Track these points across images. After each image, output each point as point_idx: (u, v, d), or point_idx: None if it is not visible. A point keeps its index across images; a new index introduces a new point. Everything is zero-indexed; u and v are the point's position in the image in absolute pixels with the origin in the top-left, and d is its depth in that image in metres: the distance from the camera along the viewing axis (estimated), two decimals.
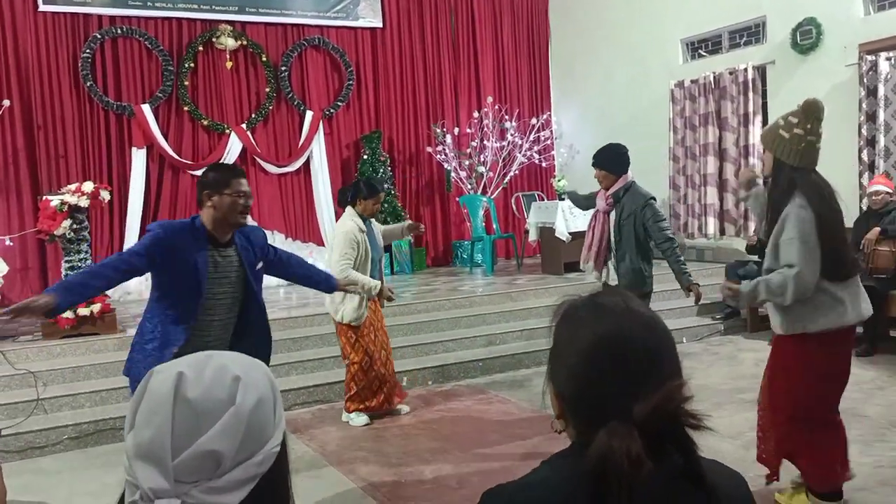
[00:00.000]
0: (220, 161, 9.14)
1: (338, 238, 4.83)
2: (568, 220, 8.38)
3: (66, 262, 6.17)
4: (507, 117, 10.40)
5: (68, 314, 5.86)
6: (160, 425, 0.92)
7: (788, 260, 3.10)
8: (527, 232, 9.28)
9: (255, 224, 3.24)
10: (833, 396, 3.33)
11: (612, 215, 4.56)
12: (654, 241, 4.47)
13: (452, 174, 10.21)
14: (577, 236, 8.41)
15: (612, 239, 4.57)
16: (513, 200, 10.70)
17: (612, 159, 4.59)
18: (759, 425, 3.57)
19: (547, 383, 1.14)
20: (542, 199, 10.23)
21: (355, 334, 4.98)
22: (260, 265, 3.37)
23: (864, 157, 7.18)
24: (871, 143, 7.16)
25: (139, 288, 8.24)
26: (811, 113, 3.19)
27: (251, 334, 3.36)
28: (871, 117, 7.14)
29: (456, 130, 10.32)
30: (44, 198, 6.25)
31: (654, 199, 4.50)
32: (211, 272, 3.14)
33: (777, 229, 3.18)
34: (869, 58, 7.12)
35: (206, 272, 3.11)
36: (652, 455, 0.95)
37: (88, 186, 6.12)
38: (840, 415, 3.39)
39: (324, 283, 3.89)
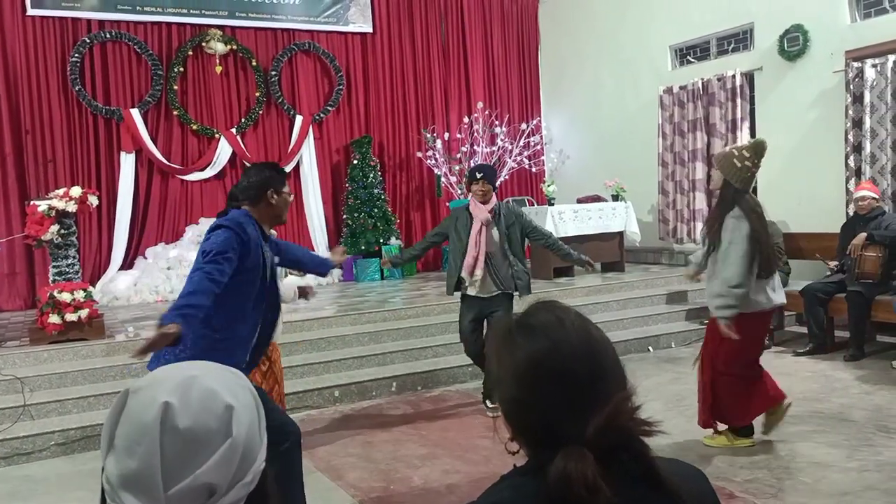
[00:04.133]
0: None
1: None
2: (558, 224, 8.40)
3: (54, 267, 6.15)
4: (497, 122, 10.43)
5: (55, 319, 5.83)
6: (148, 456, 0.90)
7: (729, 261, 3.98)
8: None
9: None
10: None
11: (496, 227, 5.07)
12: (541, 239, 5.22)
13: (442, 179, 10.22)
14: (568, 241, 8.39)
15: (503, 247, 5.06)
16: None
17: (494, 176, 5.23)
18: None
19: (496, 407, 1.13)
20: (532, 205, 10.24)
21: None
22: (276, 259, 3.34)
23: (851, 162, 7.24)
24: (858, 149, 7.21)
25: (127, 293, 8.21)
26: (759, 151, 4.08)
27: (267, 332, 3.28)
28: (858, 123, 7.20)
29: (446, 135, 10.34)
30: (31, 202, 6.21)
31: None
32: (266, 260, 3.14)
33: (721, 233, 4.05)
34: (855, 64, 7.18)
35: (266, 260, 3.11)
36: (607, 468, 0.95)
37: (76, 191, 6.09)
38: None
39: (320, 264, 3.91)
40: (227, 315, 2.98)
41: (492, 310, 5.09)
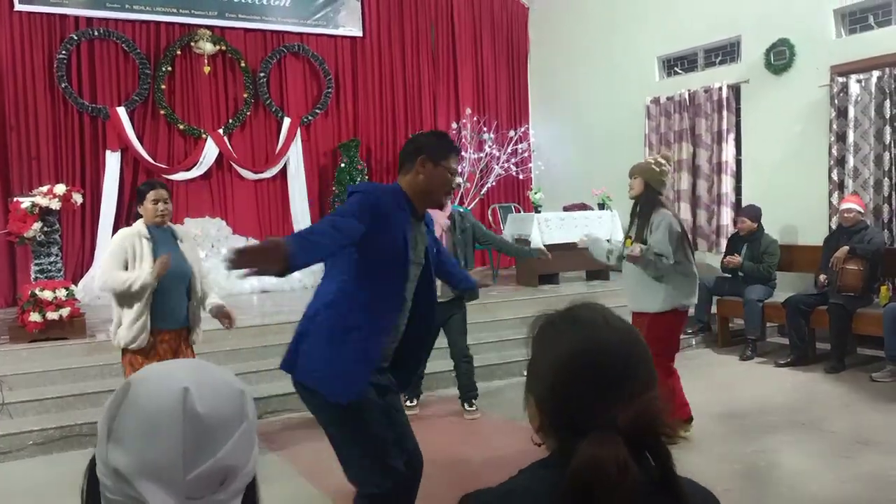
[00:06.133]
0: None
1: (107, 249, 3.99)
2: (544, 232, 8.41)
3: (36, 264, 6.09)
4: (485, 129, 10.45)
5: (36, 318, 5.77)
6: (170, 443, 0.90)
7: (663, 251, 4.34)
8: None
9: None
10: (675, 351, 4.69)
11: (452, 232, 5.18)
12: (491, 242, 5.43)
13: None
14: (553, 248, 8.44)
15: (456, 252, 5.17)
16: (489, 212, 10.74)
17: None
18: None
19: (526, 396, 1.14)
20: (519, 211, 10.27)
21: (138, 362, 3.88)
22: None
23: (834, 176, 7.31)
24: (841, 162, 7.28)
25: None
26: (669, 159, 4.65)
27: (421, 333, 2.78)
28: (841, 138, 7.27)
29: None
30: (14, 199, 6.16)
31: None
32: (413, 248, 2.61)
33: (649, 231, 4.45)
34: (840, 79, 7.26)
35: (411, 247, 2.59)
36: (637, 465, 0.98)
37: (60, 189, 6.04)
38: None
39: (464, 279, 3.24)
40: (358, 303, 2.53)
41: (450, 314, 5.24)
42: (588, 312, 1.14)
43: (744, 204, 8.16)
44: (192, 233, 3.94)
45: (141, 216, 4.01)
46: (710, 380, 6.19)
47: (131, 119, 8.87)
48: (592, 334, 1.09)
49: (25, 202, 5.94)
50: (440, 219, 5.07)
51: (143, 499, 0.90)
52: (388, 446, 2.66)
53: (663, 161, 4.56)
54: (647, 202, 4.51)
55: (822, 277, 6.47)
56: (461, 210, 5.37)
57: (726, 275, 7.33)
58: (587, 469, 0.96)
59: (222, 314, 4.09)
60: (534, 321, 1.18)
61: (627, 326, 1.13)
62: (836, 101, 7.29)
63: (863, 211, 6.55)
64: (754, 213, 7.15)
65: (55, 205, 5.97)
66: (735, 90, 8.49)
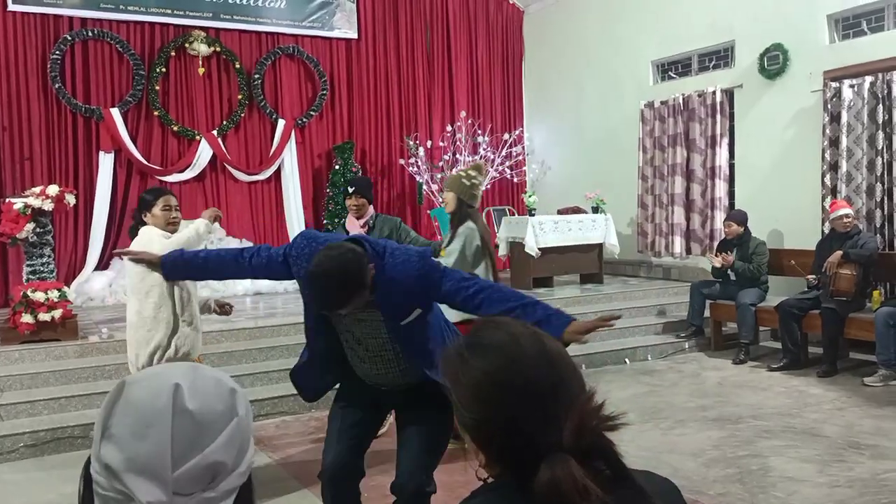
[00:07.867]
0: (190, 167, 9.05)
1: (145, 242, 3.70)
2: (538, 235, 8.42)
3: (28, 266, 6.07)
4: (479, 132, 10.45)
5: (28, 319, 5.74)
6: (159, 438, 0.91)
7: (448, 263, 4.31)
8: (497, 246, 9.31)
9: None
10: None
11: None
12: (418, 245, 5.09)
13: (424, 187, 10.23)
14: (547, 252, 8.47)
15: None
16: (483, 215, 10.72)
17: (369, 189, 5.07)
18: None
19: (462, 435, 1.09)
20: (513, 215, 10.27)
21: None
22: None
23: (827, 181, 7.33)
24: (834, 167, 7.31)
25: (102, 294, 8.12)
26: (481, 170, 4.75)
27: None
28: (834, 143, 7.30)
29: (429, 143, 10.35)
30: (7, 200, 6.13)
31: None
32: None
33: (452, 238, 4.56)
34: (833, 84, 7.29)
35: None
36: (587, 471, 0.96)
37: (53, 190, 6.02)
38: None
39: None
40: None
41: None
42: (492, 332, 1.10)
43: (737, 208, 8.19)
44: None
45: (145, 225, 3.72)
46: (702, 384, 6.21)
47: (125, 120, 8.84)
48: (504, 356, 1.05)
49: (18, 203, 5.91)
50: (354, 228, 4.87)
51: (131, 493, 0.90)
52: None
53: (474, 174, 4.61)
54: (456, 215, 4.58)
55: (811, 276, 6.53)
56: (385, 215, 5.11)
57: (717, 279, 7.34)
58: (551, 497, 0.93)
59: (219, 305, 4.01)
60: (442, 359, 1.13)
61: (537, 334, 1.09)
62: (829, 106, 7.32)
63: (854, 215, 6.59)
64: (741, 217, 7.23)
65: (48, 206, 5.95)
66: (729, 95, 8.52)
